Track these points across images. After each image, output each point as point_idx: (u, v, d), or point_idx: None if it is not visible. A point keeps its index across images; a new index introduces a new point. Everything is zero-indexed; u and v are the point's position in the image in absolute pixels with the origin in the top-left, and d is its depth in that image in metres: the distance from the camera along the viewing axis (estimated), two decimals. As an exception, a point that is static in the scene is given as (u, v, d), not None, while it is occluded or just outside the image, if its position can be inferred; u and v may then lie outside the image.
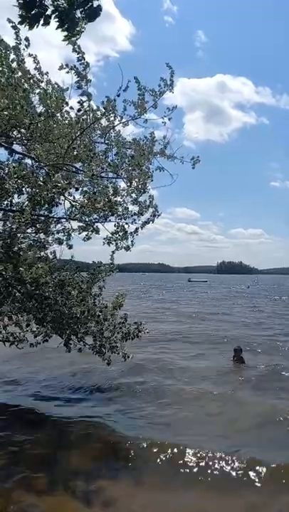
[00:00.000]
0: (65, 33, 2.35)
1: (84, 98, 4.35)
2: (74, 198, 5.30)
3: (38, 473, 4.45)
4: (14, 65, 4.84)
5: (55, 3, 2.14)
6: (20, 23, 2.27)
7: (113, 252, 5.17)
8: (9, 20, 4.46)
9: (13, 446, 5.09)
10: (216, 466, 4.63)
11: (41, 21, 2.21)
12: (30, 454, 4.93)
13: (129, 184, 5.12)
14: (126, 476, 4.48)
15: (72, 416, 6.13)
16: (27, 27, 2.26)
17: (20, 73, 4.86)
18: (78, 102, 4.43)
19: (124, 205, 5.17)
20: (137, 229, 5.29)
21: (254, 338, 12.94)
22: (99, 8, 2.21)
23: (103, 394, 7.32)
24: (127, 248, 5.15)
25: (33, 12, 2.17)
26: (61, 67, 4.18)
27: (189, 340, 12.85)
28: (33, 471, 4.50)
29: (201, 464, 4.67)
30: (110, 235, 5.10)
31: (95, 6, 2.19)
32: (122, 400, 6.95)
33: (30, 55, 4.99)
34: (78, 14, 2.24)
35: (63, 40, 2.48)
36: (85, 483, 4.30)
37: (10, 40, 4.83)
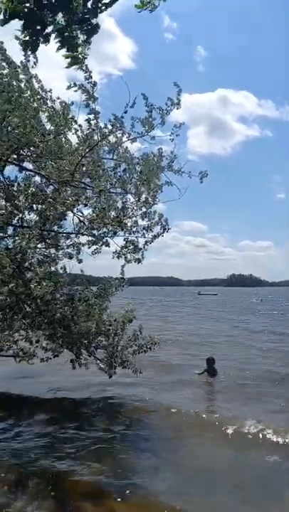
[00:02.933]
0: (69, 60, 2.39)
1: (92, 116, 4.46)
2: (83, 213, 5.37)
3: (46, 499, 4.35)
4: (23, 85, 5.00)
5: (55, 20, 2.20)
6: (24, 49, 2.35)
7: (123, 265, 5.18)
8: (16, 38, 4.57)
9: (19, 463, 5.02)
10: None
11: (41, 40, 2.29)
12: (37, 470, 4.85)
13: (137, 199, 5.16)
14: (135, 495, 4.37)
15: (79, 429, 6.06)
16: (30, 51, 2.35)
17: (29, 92, 5.01)
18: (86, 120, 4.53)
19: (134, 218, 5.20)
20: (146, 242, 5.30)
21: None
22: (97, 25, 2.27)
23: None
24: (138, 261, 5.16)
25: (34, 29, 2.23)
26: (69, 87, 4.28)
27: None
28: (42, 488, 4.43)
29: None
30: (120, 249, 5.12)
31: (94, 23, 2.25)
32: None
33: (35, 76, 5.11)
34: (80, 36, 2.30)
35: (67, 67, 2.50)
36: (93, 503, 4.21)
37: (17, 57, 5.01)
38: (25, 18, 2.15)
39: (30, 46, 2.29)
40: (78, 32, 2.28)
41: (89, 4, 2.15)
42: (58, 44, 2.27)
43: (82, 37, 2.32)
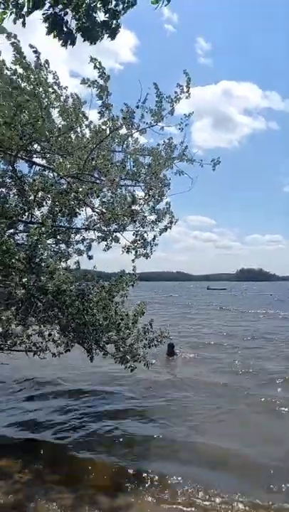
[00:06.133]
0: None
1: (104, 109, 4.50)
2: (94, 205, 5.39)
3: (63, 491, 4.43)
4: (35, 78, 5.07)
5: (79, 22, 2.33)
6: (48, 33, 2.43)
7: (133, 260, 5.19)
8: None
9: (35, 463, 5.10)
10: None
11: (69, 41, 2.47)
12: (53, 471, 4.91)
13: (147, 191, 5.15)
14: (151, 494, 4.40)
15: (95, 431, 6.14)
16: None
17: (41, 88, 5.06)
18: (99, 113, 4.57)
19: (143, 213, 5.21)
20: (155, 236, 5.32)
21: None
22: (118, 26, 2.45)
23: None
24: (146, 256, 5.17)
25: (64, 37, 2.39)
26: (83, 82, 4.36)
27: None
28: (57, 488, 4.48)
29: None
30: (130, 244, 5.13)
31: (114, 26, 2.44)
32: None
33: (50, 71, 5.22)
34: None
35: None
36: (109, 500, 4.27)
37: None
38: (49, 21, 2.31)
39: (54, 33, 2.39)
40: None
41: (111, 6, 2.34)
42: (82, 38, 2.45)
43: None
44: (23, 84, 4.96)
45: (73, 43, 2.47)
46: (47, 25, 2.32)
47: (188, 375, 9.70)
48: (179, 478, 4.66)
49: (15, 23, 2.19)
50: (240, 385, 8.67)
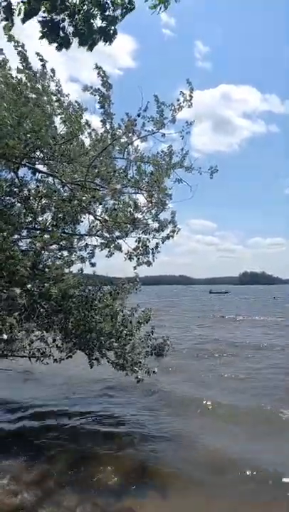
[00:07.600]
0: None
1: (106, 117, 4.56)
2: (96, 212, 5.43)
3: (67, 490, 4.42)
4: (39, 86, 5.14)
5: (78, 27, 2.35)
6: (41, 37, 2.47)
7: (135, 267, 5.21)
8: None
9: (41, 461, 5.09)
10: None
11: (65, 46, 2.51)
12: (59, 470, 4.90)
13: (149, 199, 5.17)
14: (155, 496, 4.38)
15: (101, 431, 6.13)
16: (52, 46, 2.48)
17: (45, 98, 5.11)
18: (101, 121, 4.62)
19: (145, 220, 5.22)
20: (157, 244, 5.32)
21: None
22: (115, 31, 2.51)
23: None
24: (149, 264, 5.18)
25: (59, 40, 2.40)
26: (85, 89, 4.41)
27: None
28: (62, 488, 4.47)
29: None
30: (132, 251, 5.15)
31: (111, 32, 2.49)
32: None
33: (56, 81, 5.30)
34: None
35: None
36: (114, 501, 4.25)
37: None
38: (44, 24, 2.34)
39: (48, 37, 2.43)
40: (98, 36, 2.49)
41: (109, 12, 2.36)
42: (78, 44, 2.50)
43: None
44: (26, 92, 5.01)
45: (68, 47, 2.51)
46: (41, 29, 2.35)
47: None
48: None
49: (10, 30, 2.23)
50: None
